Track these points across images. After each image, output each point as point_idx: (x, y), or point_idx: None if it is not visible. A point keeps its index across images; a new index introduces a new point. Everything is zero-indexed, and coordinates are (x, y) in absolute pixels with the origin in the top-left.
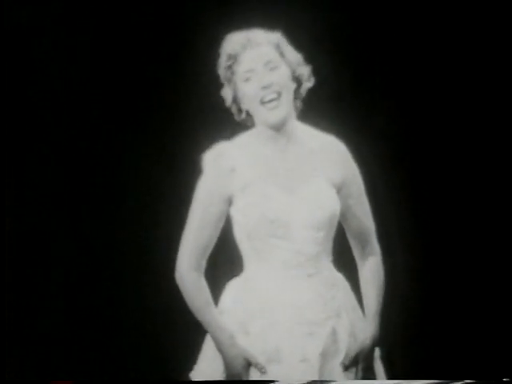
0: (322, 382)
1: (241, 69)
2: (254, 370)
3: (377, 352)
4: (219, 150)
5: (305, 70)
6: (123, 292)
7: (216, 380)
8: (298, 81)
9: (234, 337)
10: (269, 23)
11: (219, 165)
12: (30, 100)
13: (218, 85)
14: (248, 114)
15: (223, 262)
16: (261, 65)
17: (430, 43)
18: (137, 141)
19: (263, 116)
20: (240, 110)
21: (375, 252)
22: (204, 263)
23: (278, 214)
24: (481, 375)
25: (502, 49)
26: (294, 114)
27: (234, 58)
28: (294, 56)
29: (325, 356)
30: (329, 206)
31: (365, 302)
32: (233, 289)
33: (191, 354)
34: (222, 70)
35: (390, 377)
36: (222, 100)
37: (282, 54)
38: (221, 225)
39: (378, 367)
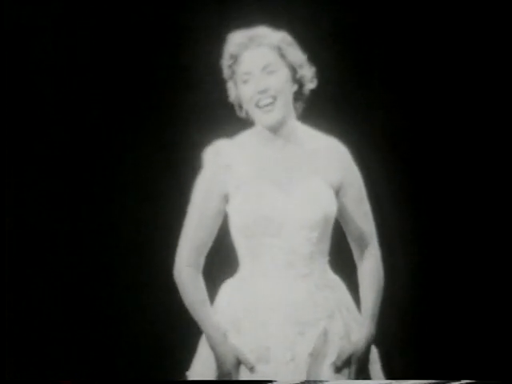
0: (315, 382)
1: (240, 70)
2: (245, 369)
3: (374, 354)
4: (218, 147)
5: (307, 72)
6: (122, 292)
7: (215, 380)
8: (299, 82)
9: (226, 335)
10: (271, 22)
11: (217, 162)
12: (29, 100)
13: (218, 83)
14: (247, 112)
15: (221, 261)
16: (259, 68)
17: (433, 46)
18: (136, 138)
19: (258, 118)
20: (241, 107)
21: (375, 255)
22: (202, 261)
23: (272, 213)
24: (478, 375)
25: (502, 45)
26: (293, 115)
27: (234, 57)
28: (296, 57)
29: (315, 356)
30: (324, 205)
31: (362, 304)
32: (228, 287)
33: (188, 354)
34: (224, 68)
35: (388, 378)
36: (222, 98)
37: (283, 56)
38: (219, 222)
39: (375, 369)
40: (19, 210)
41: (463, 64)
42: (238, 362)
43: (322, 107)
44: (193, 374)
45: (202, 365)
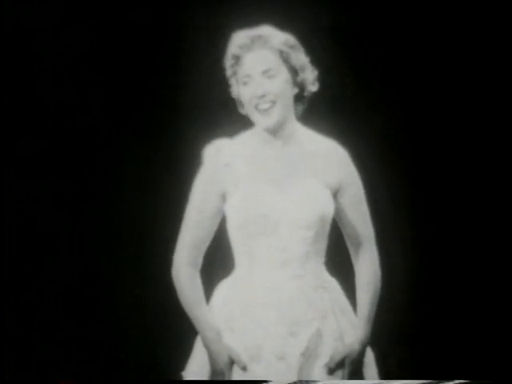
0: (310, 382)
1: (241, 71)
2: (237, 368)
3: (369, 357)
4: (218, 145)
5: (309, 75)
6: (120, 292)
7: (212, 380)
8: (300, 85)
9: (220, 334)
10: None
11: (216, 160)
12: (29, 100)
13: (218, 83)
14: (247, 112)
15: (220, 260)
16: (259, 72)
17: (434, 49)
18: (136, 137)
19: (257, 120)
20: (242, 105)
21: (372, 257)
22: (200, 260)
23: (268, 212)
24: (472, 375)
25: (501, 48)
26: (293, 117)
27: (236, 58)
28: (298, 60)
29: (307, 357)
30: (320, 206)
31: (358, 306)
32: (223, 286)
33: (185, 354)
34: (227, 67)
35: (384, 378)
36: (222, 98)
37: (285, 60)
38: (217, 221)
39: (369, 372)
40: (19, 210)
41: (464, 67)
42: (231, 361)
43: (321, 109)
44: (188, 373)
45: (197, 364)
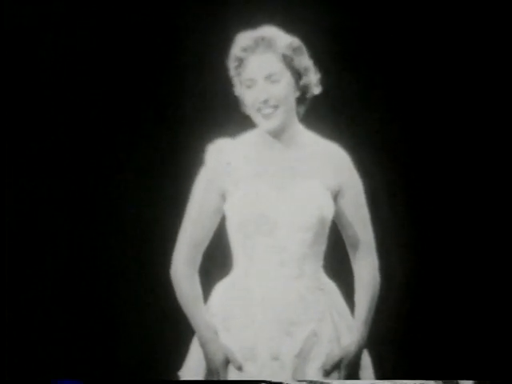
0: (309, 382)
1: (244, 74)
2: (233, 367)
3: (366, 360)
4: (220, 145)
5: (312, 78)
6: (119, 293)
7: (214, 380)
8: (303, 88)
9: (216, 333)
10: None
11: (218, 160)
12: (30, 102)
13: (219, 84)
14: (250, 114)
15: (219, 261)
16: (262, 77)
17: (436, 52)
18: (136, 137)
19: (259, 122)
20: (245, 105)
21: (372, 261)
22: (199, 259)
23: (267, 212)
24: (470, 377)
25: (503, 48)
26: (295, 119)
27: (239, 60)
28: (302, 64)
29: (302, 358)
30: (319, 208)
31: (356, 309)
32: (221, 286)
33: (182, 353)
34: (230, 68)
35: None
36: (225, 98)
37: (288, 64)
38: (217, 220)
39: (366, 375)
40: (19, 209)
41: (466, 69)
42: (227, 361)
43: (323, 111)
44: (185, 372)
45: (194, 363)
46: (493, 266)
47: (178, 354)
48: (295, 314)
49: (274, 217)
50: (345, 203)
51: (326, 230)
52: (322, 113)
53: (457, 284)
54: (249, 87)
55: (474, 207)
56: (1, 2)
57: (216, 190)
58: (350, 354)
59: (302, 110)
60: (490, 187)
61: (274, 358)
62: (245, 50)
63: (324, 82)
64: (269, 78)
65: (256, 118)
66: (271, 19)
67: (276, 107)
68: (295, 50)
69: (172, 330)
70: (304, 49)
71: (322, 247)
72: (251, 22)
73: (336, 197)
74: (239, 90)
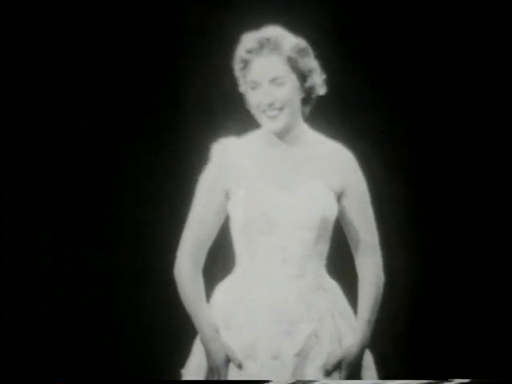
0: (309, 382)
1: (249, 76)
2: (233, 365)
3: (369, 361)
4: (224, 143)
5: (318, 79)
6: (120, 293)
7: (214, 380)
8: (308, 90)
9: (218, 332)
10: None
11: (223, 158)
12: (31, 102)
13: (222, 84)
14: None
15: (222, 261)
16: (267, 80)
17: (443, 52)
18: (140, 136)
19: (263, 123)
20: (250, 104)
21: (376, 262)
22: (203, 258)
23: (268, 211)
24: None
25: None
26: (300, 120)
27: (244, 62)
28: (307, 66)
29: (302, 357)
30: (322, 207)
31: (359, 309)
32: (224, 285)
33: (185, 352)
34: (235, 68)
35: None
36: (228, 98)
37: (293, 66)
38: (221, 219)
39: (368, 376)
40: (20, 210)
41: (474, 69)
42: (228, 359)
43: (328, 112)
44: (187, 371)
45: (196, 362)
46: (498, 265)
47: (181, 353)
48: (296, 314)
49: (275, 216)
50: (349, 203)
51: (329, 230)
52: (327, 113)
53: (462, 284)
54: (253, 89)
55: (479, 208)
56: (1, 1)
57: (220, 189)
58: (352, 355)
59: (307, 109)
60: (495, 187)
61: (274, 357)
62: (249, 51)
63: (329, 82)
64: (274, 81)
65: (260, 119)
66: (275, 19)
67: (281, 109)
68: (301, 51)
69: (175, 330)
70: (310, 50)
71: (325, 247)
72: (255, 22)
73: (340, 197)
74: (244, 88)
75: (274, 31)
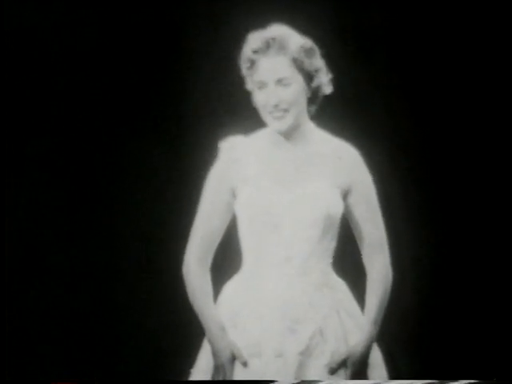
0: (314, 381)
1: (255, 76)
2: (238, 363)
3: (378, 358)
4: (231, 142)
5: (324, 79)
6: (125, 291)
7: (215, 380)
8: (314, 89)
9: (224, 330)
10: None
11: (230, 156)
12: (32, 102)
13: (229, 83)
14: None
15: (229, 261)
16: (273, 81)
17: (450, 51)
18: (146, 134)
19: (269, 123)
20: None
21: (384, 261)
22: (211, 256)
23: (272, 208)
24: (481, 376)
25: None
26: (306, 118)
27: (251, 61)
28: (313, 65)
29: (307, 355)
30: (325, 205)
31: (366, 307)
32: (231, 283)
33: (194, 352)
34: (242, 67)
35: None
36: (232, 97)
37: (299, 67)
38: (228, 217)
39: (375, 374)
40: (25, 208)
41: (483, 68)
42: (233, 357)
43: (334, 110)
44: (196, 371)
45: (205, 361)
46: (509, 263)
47: (190, 353)
48: (300, 312)
49: (280, 214)
50: (355, 201)
51: (335, 228)
52: (333, 111)
53: (471, 282)
54: (260, 89)
55: (487, 206)
56: (1, 2)
57: (226, 186)
58: (357, 353)
59: (313, 108)
60: (502, 185)
61: (278, 355)
62: (256, 51)
63: (335, 80)
64: (280, 81)
65: (266, 118)
66: (281, 18)
67: (287, 110)
68: (307, 52)
69: (182, 330)
70: (316, 49)
71: (331, 245)
72: (261, 21)
73: (346, 195)
74: (251, 85)
75: (279, 30)
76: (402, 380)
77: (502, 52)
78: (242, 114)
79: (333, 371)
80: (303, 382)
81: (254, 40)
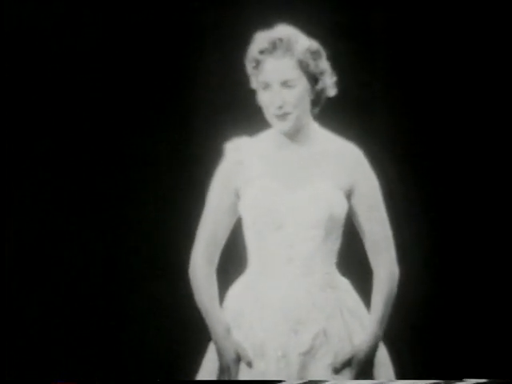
0: (320, 381)
1: (260, 77)
2: (243, 364)
3: (384, 358)
4: (236, 143)
5: (328, 81)
6: (129, 291)
7: (216, 380)
8: (319, 91)
9: (229, 330)
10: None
11: (234, 157)
12: (33, 102)
13: (233, 83)
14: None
15: (235, 263)
16: (278, 82)
17: (455, 51)
18: (152, 135)
19: (273, 123)
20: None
21: (390, 261)
22: (217, 257)
23: (276, 209)
24: (488, 375)
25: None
26: (310, 119)
27: (257, 61)
28: (319, 67)
29: (310, 355)
30: (328, 205)
31: (371, 307)
32: (237, 284)
33: (197, 356)
34: (247, 66)
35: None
36: (237, 97)
37: (304, 69)
38: (233, 218)
39: (381, 373)
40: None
41: (486, 69)
42: (238, 358)
43: (338, 110)
44: (203, 371)
45: (211, 362)
46: (508, 262)
47: (194, 354)
48: (304, 312)
49: (283, 215)
50: (359, 201)
51: (339, 228)
52: (337, 111)
53: (477, 281)
54: (265, 89)
55: (492, 204)
56: (1, 2)
57: (231, 187)
58: (362, 352)
59: (317, 110)
60: (507, 182)
61: (282, 356)
62: (262, 52)
63: (340, 80)
64: (285, 83)
65: (270, 119)
66: (287, 18)
67: (290, 112)
68: (313, 54)
69: (187, 330)
70: (322, 51)
71: (335, 245)
72: (267, 21)
73: (350, 195)
74: (256, 84)
75: (286, 31)
76: (408, 380)
77: (502, 50)
78: (251, 113)
79: (337, 371)
80: (310, 381)
81: (261, 40)
